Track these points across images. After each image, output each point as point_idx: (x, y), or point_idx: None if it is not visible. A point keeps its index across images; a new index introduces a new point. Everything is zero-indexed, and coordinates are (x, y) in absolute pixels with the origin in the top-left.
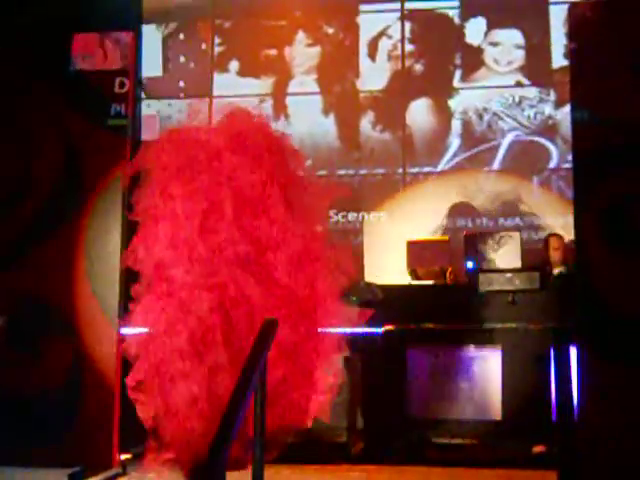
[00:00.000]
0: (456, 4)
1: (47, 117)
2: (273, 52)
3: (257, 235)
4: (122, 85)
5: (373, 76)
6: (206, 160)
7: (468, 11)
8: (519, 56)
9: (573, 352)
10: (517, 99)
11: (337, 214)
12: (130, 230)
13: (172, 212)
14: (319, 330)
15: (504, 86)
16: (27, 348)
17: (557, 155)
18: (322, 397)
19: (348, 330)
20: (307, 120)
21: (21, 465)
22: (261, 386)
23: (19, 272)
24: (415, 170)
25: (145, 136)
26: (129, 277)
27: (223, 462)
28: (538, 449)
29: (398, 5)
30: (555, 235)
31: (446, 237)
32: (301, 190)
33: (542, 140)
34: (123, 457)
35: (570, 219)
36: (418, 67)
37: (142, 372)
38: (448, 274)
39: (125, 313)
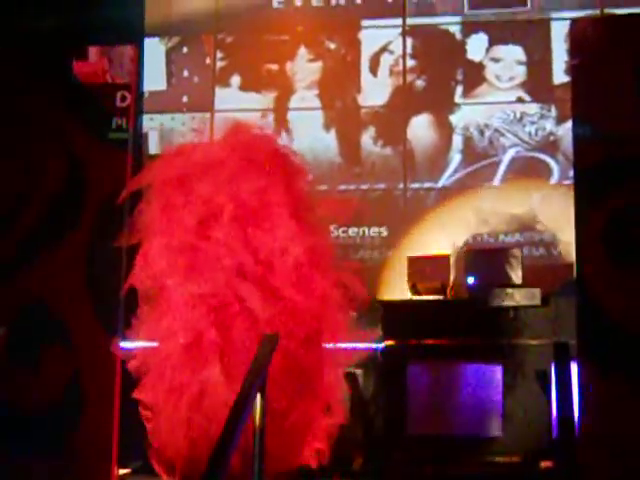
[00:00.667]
0: (458, 20)
1: (49, 130)
2: (275, 67)
3: (258, 245)
4: (124, 99)
5: (374, 91)
6: (209, 171)
7: (470, 27)
8: (520, 72)
9: (574, 367)
10: (518, 115)
11: (338, 229)
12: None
13: (173, 223)
14: (323, 345)
15: (505, 102)
16: (27, 360)
17: (558, 171)
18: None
19: (349, 345)
20: (308, 135)
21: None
22: (261, 400)
23: (20, 284)
24: (416, 185)
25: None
26: (129, 291)
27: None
28: (545, 464)
29: (400, 21)
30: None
31: (447, 253)
32: (305, 202)
33: (543, 156)
34: (122, 472)
35: (570, 235)
36: (419, 83)
37: (148, 387)
38: (449, 289)
39: (125, 327)
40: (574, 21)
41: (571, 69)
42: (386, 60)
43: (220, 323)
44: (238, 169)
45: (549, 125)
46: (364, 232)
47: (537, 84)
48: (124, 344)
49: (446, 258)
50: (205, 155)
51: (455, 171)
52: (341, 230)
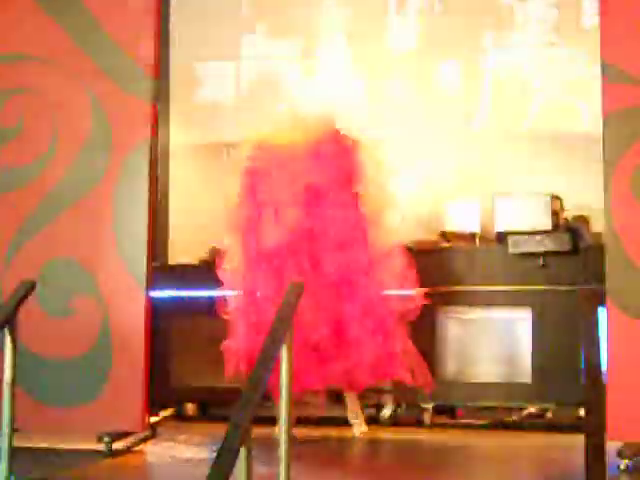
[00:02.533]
0: None
1: (74, 78)
2: (301, 12)
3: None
4: (148, 49)
5: (402, 36)
6: (288, 164)
7: None
8: (551, 15)
9: (603, 314)
10: (548, 59)
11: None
12: (158, 196)
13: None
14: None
15: (535, 46)
16: (58, 309)
17: (587, 116)
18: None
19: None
20: (336, 81)
21: (52, 428)
22: (288, 352)
23: (49, 234)
24: (445, 130)
25: None
26: (157, 239)
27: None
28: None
29: None
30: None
31: (476, 199)
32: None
33: (573, 100)
34: (153, 419)
35: (599, 181)
36: (449, 26)
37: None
38: (478, 236)
39: (151, 277)
40: None
41: (600, 12)
42: (415, 5)
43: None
44: (311, 162)
45: (579, 69)
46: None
47: (567, 28)
48: (152, 293)
49: (475, 206)
50: (283, 151)
51: (485, 116)
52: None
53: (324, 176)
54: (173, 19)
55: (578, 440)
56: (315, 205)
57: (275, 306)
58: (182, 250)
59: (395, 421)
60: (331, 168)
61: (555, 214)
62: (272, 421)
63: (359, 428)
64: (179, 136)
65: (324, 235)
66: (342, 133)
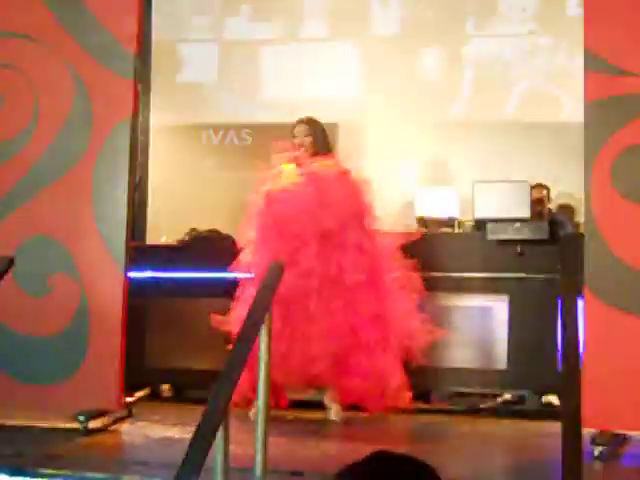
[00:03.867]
0: None
1: (56, 55)
2: None
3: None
4: (130, 26)
5: (384, 23)
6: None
7: None
8: (533, 3)
9: (580, 302)
10: (530, 48)
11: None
12: (138, 176)
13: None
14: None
15: (517, 34)
16: (36, 287)
17: (569, 105)
18: None
19: None
20: (319, 66)
21: (28, 405)
22: (267, 332)
23: (28, 211)
24: (426, 118)
25: None
26: (136, 219)
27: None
28: (550, 398)
29: None
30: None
31: (455, 186)
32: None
33: (554, 89)
34: (129, 399)
35: (580, 171)
36: (430, 13)
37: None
38: (457, 222)
39: (130, 257)
40: None
41: (585, 1)
42: None
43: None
44: (321, 210)
45: (561, 58)
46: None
47: (550, 16)
48: (131, 274)
49: (454, 191)
50: (294, 202)
51: (466, 104)
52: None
53: (337, 222)
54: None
55: (552, 427)
56: (328, 248)
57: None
58: (160, 231)
59: None
60: (344, 214)
61: (540, 202)
62: None
63: (336, 412)
64: (160, 117)
65: (335, 279)
66: (350, 174)
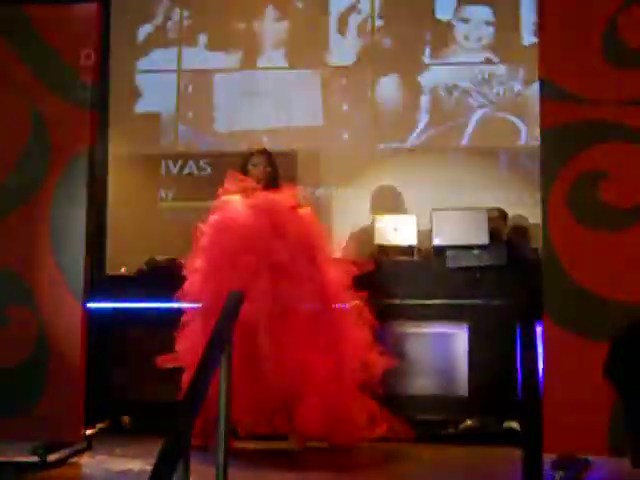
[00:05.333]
0: None
1: (12, 87)
2: (242, 26)
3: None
4: (88, 57)
5: (343, 51)
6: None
7: None
8: (489, 33)
9: (539, 328)
10: (486, 76)
11: (305, 189)
12: (96, 207)
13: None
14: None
15: (474, 63)
16: None
17: (525, 132)
18: None
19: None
20: (276, 95)
21: None
22: (227, 362)
23: None
24: (383, 146)
25: None
26: (95, 250)
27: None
28: (510, 425)
29: None
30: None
31: (413, 214)
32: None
33: (511, 117)
34: (89, 432)
35: (536, 197)
36: (387, 43)
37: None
38: (415, 250)
39: (89, 289)
40: None
41: (538, 28)
42: (354, 20)
43: None
44: (273, 240)
45: (517, 86)
46: (332, 192)
47: (505, 45)
48: (89, 305)
49: (413, 219)
50: (246, 232)
51: (422, 132)
52: (309, 191)
53: (289, 254)
54: (113, 30)
55: (511, 453)
56: (279, 281)
57: None
58: (120, 261)
59: None
60: (296, 246)
61: (497, 228)
62: None
63: (296, 441)
64: (118, 147)
65: (286, 312)
66: (301, 208)
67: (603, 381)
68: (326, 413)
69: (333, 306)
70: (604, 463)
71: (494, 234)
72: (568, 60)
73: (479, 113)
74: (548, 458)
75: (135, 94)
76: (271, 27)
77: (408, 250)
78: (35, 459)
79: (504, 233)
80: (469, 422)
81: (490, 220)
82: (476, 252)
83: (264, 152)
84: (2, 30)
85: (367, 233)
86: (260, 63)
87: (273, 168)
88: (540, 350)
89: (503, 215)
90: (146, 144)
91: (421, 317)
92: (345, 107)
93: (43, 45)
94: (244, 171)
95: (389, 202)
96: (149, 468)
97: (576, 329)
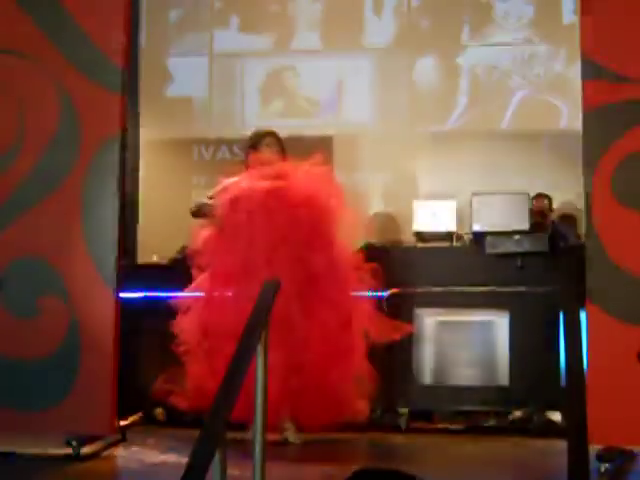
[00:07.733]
0: None
1: (43, 71)
2: (275, 7)
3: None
4: (119, 40)
5: (378, 33)
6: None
7: None
8: (529, 12)
9: (583, 315)
10: (526, 56)
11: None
12: (128, 194)
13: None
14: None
15: (513, 43)
16: (24, 309)
17: (567, 114)
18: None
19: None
20: (311, 77)
21: (20, 431)
22: (264, 349)
23: (15, 230)
24: (421, 129)
25: None
26: (126, 238)
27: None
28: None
29: None
30: (536, 196)
31: (453, 199)
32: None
33: (552, 98)
34: (122, 423)
35: (581, 181)
36: (425, 23)
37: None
38: (455, 236)
39: (121, 277)
40: None
41: (580, 7)
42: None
43: None
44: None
45: (558, 66)
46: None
47: (546, 24)
48: (122, 294)
49: (452, 204)
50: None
51: (461, 115)
52: (346, 176)
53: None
54: (145, 13)
55: (556, 444)
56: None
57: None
58: (152, 249)
59: (370, 425)
60: (308, 232)
61: (542, 213)
62: None
63: (293, 435)
64: (149, 132)
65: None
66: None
67: None
68: (326, 407)
69: (345, 280)
70: None
71: (538, 220)
72: (610, 38)
73: (519, 95)
74: (593, 450)
75: (166, 78)
76: (305, 8)
77: (447, 236)
78: (69, 452)
79: (549, 219)
80: (517, 414)
81: (534, 205)
82: (517, 238)
83: (274, 134)
84: (33, 13)
85: (405, 219)
86: (293, 45)
87: (283, 149)
88: (584, 337)
89: (547, 200)
90: (178, 129)
91: (460, 305)
92: (381, 90)
93: (74, 28)
94: (255, 151)
95: (429, 187)
96: (184, 460)
97: (621, 315)
